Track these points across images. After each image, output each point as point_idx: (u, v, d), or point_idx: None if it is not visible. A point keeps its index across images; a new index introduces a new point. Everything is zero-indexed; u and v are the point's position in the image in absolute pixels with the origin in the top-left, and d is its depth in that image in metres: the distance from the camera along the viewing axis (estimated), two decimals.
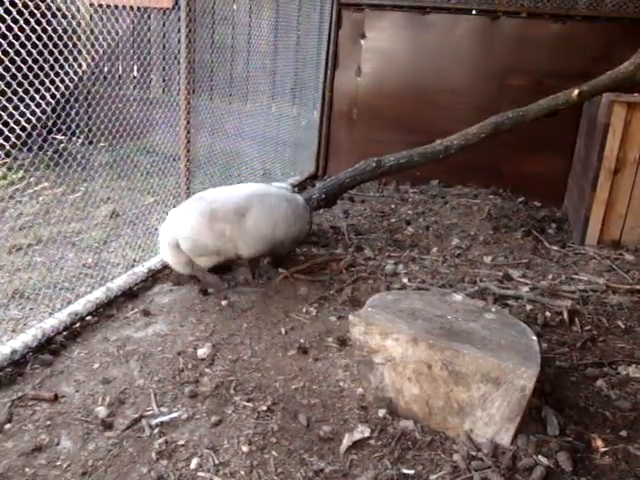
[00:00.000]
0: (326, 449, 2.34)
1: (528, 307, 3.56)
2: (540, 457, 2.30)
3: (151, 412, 2.46)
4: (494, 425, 2.38)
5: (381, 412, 2.54)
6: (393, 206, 5.60)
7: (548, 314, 3.49)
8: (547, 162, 5.84)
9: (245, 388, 2.66)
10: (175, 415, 2.45)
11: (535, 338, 2.58)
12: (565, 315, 3.45)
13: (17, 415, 2.38)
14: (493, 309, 2.89)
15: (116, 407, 2.48)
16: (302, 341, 3.07)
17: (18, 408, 2.42)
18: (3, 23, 2.81)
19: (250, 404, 2.55)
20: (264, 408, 2.53)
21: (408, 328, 2.50)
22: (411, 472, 2.25)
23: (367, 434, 2.40)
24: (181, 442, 2.31)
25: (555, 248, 4.69)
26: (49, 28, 3.39)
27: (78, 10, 4.76)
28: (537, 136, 5.50)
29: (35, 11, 3.11)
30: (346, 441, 2.36)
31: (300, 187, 6.02)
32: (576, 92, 4.39)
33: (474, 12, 5.82)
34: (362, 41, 6.13)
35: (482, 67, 5.88)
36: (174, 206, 4.43)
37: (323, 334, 3.18)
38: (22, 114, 3.14)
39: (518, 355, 2.38)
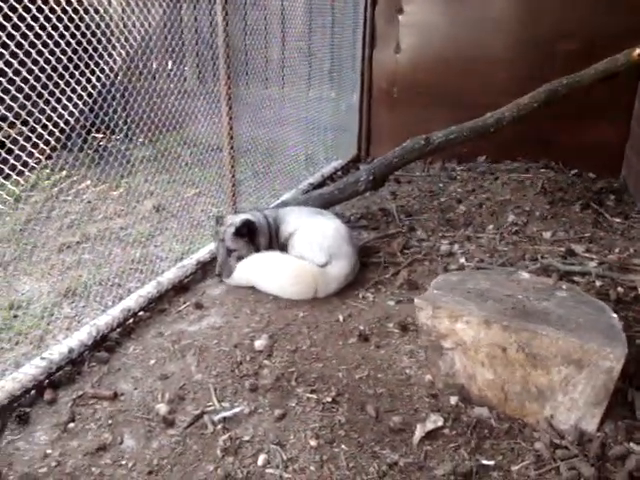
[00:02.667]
0: (398, 441, 2.21)
1: (598, 283, 3.35)
2: (632, 445, 2.13)
3: (212, 408, 2.38)
4: (577, 410, 2.22)
5: (453, 399, 2.40)
6: (441, 185, 5.40)
7: (620, 290, 3.27)
8: (601, 130, 5.50)
9: (307, 379, 2.55)
10: (237, 410, 2.36)
11: (615, 315, 2.40)
12: None
13: (79, 414, 2.33)
14: (564, 286, 2.71)
15: (176, 404, 2.41)
16: (362, 328, 2.94)
17: (79, 407, 2.38)
18: (36, 22, 2.72)
19: (314, 396, 2.44)
20: (329, 399, 2.42)
21: (479, 310, 2.34)
22: (491, 463, 2.11)
23: (440, 423, 2.27)
24: (246, 438, 2.22)
25: (618, 220, 4.44)
26: (82, 25, 3.30)
27: (110, 4, 4.70)
28: (588, 104, 5.20)
29: (67, 8, 3.02)
30: (419, 432, 2.23)
31: (344, 171, 5.88)
32: (637, 52, 4.09)
33: None
34: (399, 16, 5.89)
35: (527, 34, 5.56)
36: (214, 197, 4.37)
37: (383, 320, 3.04)
38: (60, 116, 3.06)
39: (601, 335, 2.21)
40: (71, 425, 2.28)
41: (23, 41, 2.71)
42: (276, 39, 5.76)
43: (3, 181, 2.73)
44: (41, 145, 2.91)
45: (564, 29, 5.39)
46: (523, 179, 5.38)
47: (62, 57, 3.02)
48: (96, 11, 5.06)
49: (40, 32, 2.79)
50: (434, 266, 3.64)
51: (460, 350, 2.37)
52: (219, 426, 2.27)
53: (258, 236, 3.47)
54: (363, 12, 5.87)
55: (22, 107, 2.93)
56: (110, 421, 2.30)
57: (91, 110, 3.87)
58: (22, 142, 2.76)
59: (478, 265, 3.63)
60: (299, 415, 2.34)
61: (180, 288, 3.40)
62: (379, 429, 2.26)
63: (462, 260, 3.72)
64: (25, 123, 2.97)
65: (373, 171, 4.20)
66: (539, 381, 2.25)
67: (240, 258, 3.41)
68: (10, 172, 2.68)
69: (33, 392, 2.44)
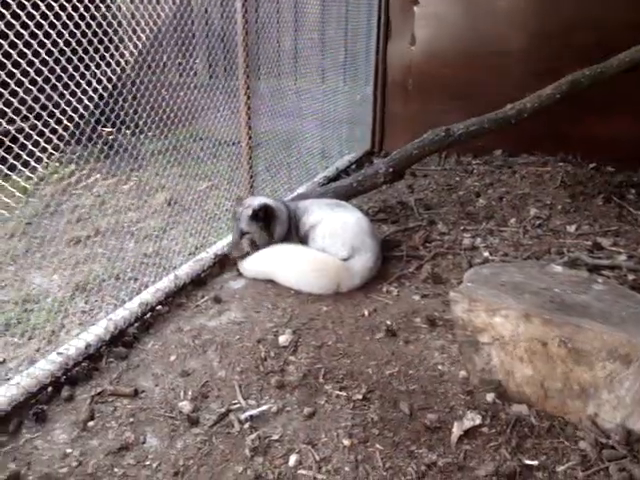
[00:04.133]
0: (435, 440, 2.10)
1: (630, 277, 3.24)
2: None
3: (238, 405, 2.28)
4: (624, 409, 2.10)
5: (489, 396, 2.30)
6: (458, 179, 5.29)
7: None
8: (619, 123, 5.37)
9: (335, 376, 2.45)
10: (264, 408, 2.25)
11: None
12: None
13: (99, 412, 2.23)
14: (600, 280, 2.59)
15: (200, 401, 2.31)
16: (388, 323, 2.84)
17: (99, 404, 2.27)
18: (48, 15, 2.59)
19: (343, 393, 2.34)
20: (359, 397, 2.31)
21: (517, 303, 2.23)
22: (535, 463, 2.00)
23: (478, 421, 2.16)
24: (275, 437, 2.11)
25: None
26: (92, 21, 3.16)
27: None
28: (605, 96, 5.04)
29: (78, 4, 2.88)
30: (456, 430, 2.12)
31: (358, 164, 5.77)
32: None
33: None
34: (415, 7, 5.78)
35: (543, 25, 5.42)
36: (227, 190, 4.27)
37: (409, 314, 2.94)
38: (68, 103, 2.93)
39: None
40: (91, 423, 2.17)
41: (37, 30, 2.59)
42: (289, 30, 5.65)
43: (14, 176, 2.61)
44: (48, 134, 2.78)
45: (581, 20, 5.26)
46: (541, 172, 5.27)
47: (75, 46, 2.90)
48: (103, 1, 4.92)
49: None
50: (458, 260, 3.53)
51: (497, 345, 2.26)
52: (246, 425, 2.17)
53: (275, 223, 3.37)
54: (377, 3, 5.76)
55: (35, 100, 2.81)
56: (131, 419, 2.20)
57: (100, 98, 3.75)
58: (32, 133, 2.64)
59: (503, 259, 3.52)
60: (329, 413, 2.23)
61: (198, 282, 3.29)
62: (414, 427, 2.16)
63: (486, 254, 3.61)
64: (36, 114, 2.85)
65: (392, 163, 4.09)
66: (582, 378, 2.14)
67: (252, 242, 3.32)
68: (22, 168, 2.55)
69: (50, 389, 2.33)
